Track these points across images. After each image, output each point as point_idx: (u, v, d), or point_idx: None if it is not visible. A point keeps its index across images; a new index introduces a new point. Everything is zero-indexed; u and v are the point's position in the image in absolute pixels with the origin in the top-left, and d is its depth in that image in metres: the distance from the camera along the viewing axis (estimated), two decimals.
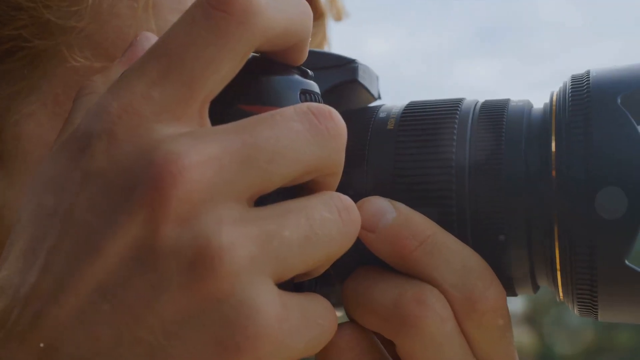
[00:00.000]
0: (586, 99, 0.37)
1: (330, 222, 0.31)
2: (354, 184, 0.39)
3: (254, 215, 0.30)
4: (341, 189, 0.34)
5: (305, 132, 0.31)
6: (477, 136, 0.38)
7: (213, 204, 0.29)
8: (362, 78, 0.43)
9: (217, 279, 0.28)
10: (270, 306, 0.29)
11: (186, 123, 0.30)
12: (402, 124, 0.40)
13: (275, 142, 0.30)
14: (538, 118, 0.39)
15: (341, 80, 0.42)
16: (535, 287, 0.40)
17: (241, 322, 0.28)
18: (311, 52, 0.43)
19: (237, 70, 0.31)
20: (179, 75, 0.30)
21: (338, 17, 0.56)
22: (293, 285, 0.34)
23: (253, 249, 0.29)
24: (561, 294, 0.39)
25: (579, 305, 0.38)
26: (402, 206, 0.37)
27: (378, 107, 0.42)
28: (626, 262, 0.35)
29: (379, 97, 0.46)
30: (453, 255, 0.37)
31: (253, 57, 0.35)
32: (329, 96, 0.42)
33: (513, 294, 0.40)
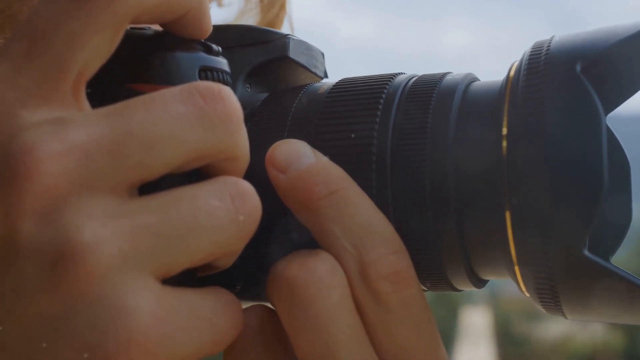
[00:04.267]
0: (542, 67, 0.32)
1: (219, 210, 0.28)
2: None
3: (130, 207, 0.27)
4: (258, 168, 0.32)
5: (188, 115, 0.28)
6: (403, 113, 0.35)
7: (78, 197, 0.26)
8: (296, 54, 0.39)
9: (81, 280, 0.26)
10: (146, 307, 0.26)
11: (58, 106, 0.28)
12: (329, 97, 0.36)
13: (152, 127, 0.27)
14: (484, 90, 0.35)
15: (270, 57, 0.39)
16: (475, 280, 0.36)
17: (110, 327, 0.26)
18: (238, 27, 0.40)
19: (113, 46, 0.29)
20: (43, 54, 0.28)
21: None
22: (197, 279, 0.31)
23: (123, 245, 0.26)
24: (524, 289, 0.34)
25: (541, 302, 0.33)
26: (323, 157, 0.33)
27: (311, 83, 0.39)
28: (584, 251, 0.30)
29: (326, 76, 0.42)
30: (360, 214, 0.33)
31: (156, 33, 0.32)
32: (258, 74, 0.39)
33: (449, 286, 0.36)
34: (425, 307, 0.33)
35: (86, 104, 0.29)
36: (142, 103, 0.28)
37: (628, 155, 0.40)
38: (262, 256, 0.34)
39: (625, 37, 0.32)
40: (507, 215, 0.32)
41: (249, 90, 0.38)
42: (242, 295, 0.37)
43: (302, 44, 0.40)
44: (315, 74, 0.41)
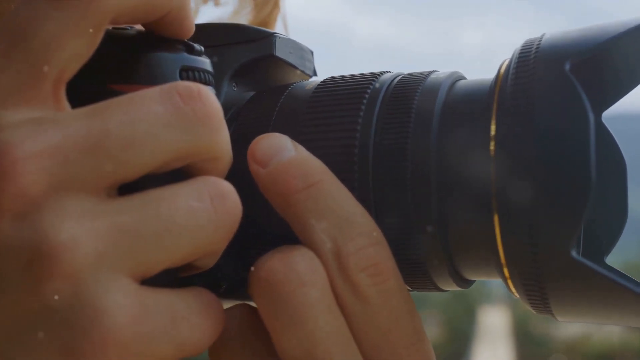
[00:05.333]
0: (532, 65, 0.32)
1: (198, 211, 0.28)
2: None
3: (108, 207, 0.27)
4: (241, 168, 0.32)
5: (167, 115, 0.28)
6: (386, 112, 0.35)
7: (55, 197, 0.27)
8: (283, 53, 0.39)
9: (56, 279, 0.26)
10: (122, 307, 0.26)
11: (38, 107, 0.28)
12: (314, 95, 0.36)
13: (130, 128, 0.27)
14: (470, 89, 0.35)
15: (256, 56, 0.39)
16: (460, 280, 0.36)
17: (85, 326, 0.26)
18: (223, 26, 0.40)
19: (93, 46, 0.29)
20: (23, 55, 0.28)
21: None
22: (179, 279, 0.31)
23: (99, 245, 0.26)
24: (513, 290, 0.34)
25: (531, 303, 0.33)
26: (303, 150, 0.33)
27: (297, 82, 0.39)
28: (573, 253, 0.30)
29: (315, 74, 0.42)
30: (338, 206, 0.32)
31: (138, 33, 0.32)
32: (245, 73, 0.39)
33: (433, 286, 0.36)
34: (406, 299, 0.33)
35: (66, 104, 0.29)
36: (121, 103, 0.28)
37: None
38: (248, 256, 0.34)
39: (616, 34, 0.32)
40: (495, 216, 0.32)
41: (235, 89, 0.38)
42: (227, 295, 0.37)
43: (290, 42, 0.39)
44: (303, 72, 0.40)
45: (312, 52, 0.41)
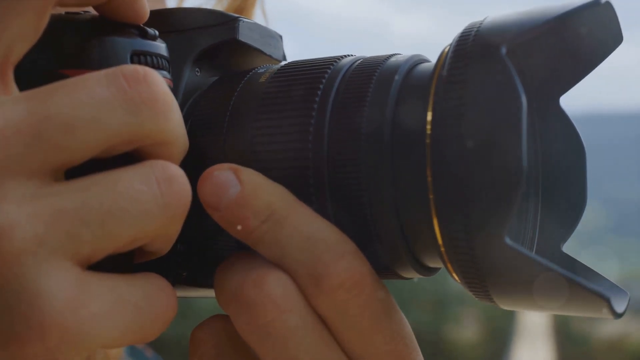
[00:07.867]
0: (469, 49, 0.32)
1: (144, 194, 0.28)
2: (212, 148, 0.36)
3: (51, 191, 0.27)
4: (200, 153, 0.33)
5: (111, 98, 0.28)
6: (342, 99, 0.34)
7: None
8: (248, 37, 0.39)
9: None
10: (62, 291, 0.26)
11: None
12: (269, 85, 0.36)
13: (72, 111, 0.27)
14: (421, 73, 0.35)
15: (219, 40, 0.39)
16: (420, 267, 0.35)
17: (22, 311, 0.26)
18: (186, 10, 0.40)
19: (39, 29, 0.29)
20: None
21: None
22: (134, 265, 0.32)
23: (39, 228, 0.26)
24: (456, 278, 0.34)
25: (472, 291, 0.33)
26: (248, 176, 0.33)
27: (258, 68, 0.39)
28: (506, 239, 0.30)
29: (284, 59, 0.42)
30: (299, 228, 0.32)
31: (91, 17, 0.32)
32: (209, 57, 0.39)
33: (393, 274, 0.35)
34: (383, 299, 0.33)
35: (14, 88, 0.29)
36: (65, 87, 0.28)
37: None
38: (209, 242, 0.35)
39: (557, 15, 0.31)
40: (432, 202, 0.32)
41: (199, 74, 0.39)
42: (189, 283, 0.37)
43: (255, 26, 0.39)
44: (271, 56, 0.40)
45: (280, 37, 0.41)
